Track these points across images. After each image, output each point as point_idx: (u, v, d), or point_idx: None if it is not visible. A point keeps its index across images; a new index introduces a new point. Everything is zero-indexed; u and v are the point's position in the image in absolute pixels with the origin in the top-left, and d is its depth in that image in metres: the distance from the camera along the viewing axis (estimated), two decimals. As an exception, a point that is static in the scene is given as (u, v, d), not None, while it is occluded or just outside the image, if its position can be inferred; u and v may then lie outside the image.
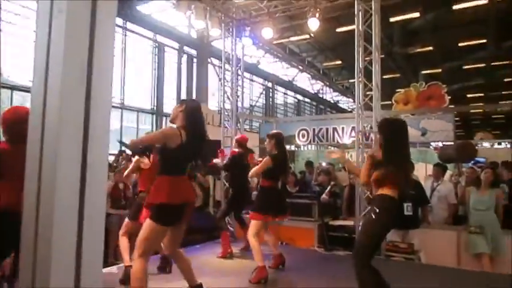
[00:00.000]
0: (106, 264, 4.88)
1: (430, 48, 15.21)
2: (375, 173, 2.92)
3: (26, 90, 9.28)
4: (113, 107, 11.55)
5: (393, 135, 3.00)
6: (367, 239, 2.93)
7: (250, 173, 4.53)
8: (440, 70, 17.40)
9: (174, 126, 2.96)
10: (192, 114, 2.96)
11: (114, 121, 11.72)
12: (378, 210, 2.86)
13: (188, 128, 2.87)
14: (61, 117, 0.90)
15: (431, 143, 9.75)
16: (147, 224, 2.80)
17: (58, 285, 0.88)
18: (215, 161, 5.49)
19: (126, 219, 4.02)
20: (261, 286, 3.80)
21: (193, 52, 14.10)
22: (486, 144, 14.07)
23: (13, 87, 9.00)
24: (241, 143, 5.31)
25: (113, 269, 4.29)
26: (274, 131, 4.76)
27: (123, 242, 3.91)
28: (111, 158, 7.14)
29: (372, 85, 5.57)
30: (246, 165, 5.00)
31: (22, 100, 9.41)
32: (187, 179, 3.01)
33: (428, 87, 9.95)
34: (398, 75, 18.32)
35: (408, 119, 9.11)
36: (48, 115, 0.93)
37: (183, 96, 13.61)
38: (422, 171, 8.23)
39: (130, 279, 2.76)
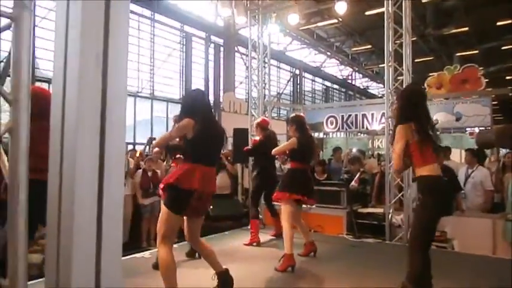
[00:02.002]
0: (139, 249, 5.08)
1: (466, 28, 14.49)
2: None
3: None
4: (144, 97, 11.83)
5: (408, 101, 2.87)
6: (416, 231, 2.83)
7: (273, 151, 4.44)
8: (476, 52, 16.58)
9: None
10: (195, 101, 3.03)
11: (145, 111, 12.00)
12: (421, 196, 2.76)
13: (197, 116, 2.90)
14: (79, 107, 0.94)
15: (467, 128, 9.38)
16: (162, 207, 2.87)
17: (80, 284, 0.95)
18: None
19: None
20: (288, 274, 3.82)
21: (220, 41, 14.13)
22: (527, 129, 13.37)
23: (49, 81, 9.37)
24: (263, 126, 5.22)
25: (145, 254, 4.45)
26: (293, 115, 4.58)
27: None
28: (142, 147, 7.35)
29: (402, 69, 5.40)
30: (269, 149, 4.82)
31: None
32: (210, 170, 2.95)
33: (463, 70, 9.51)
34: (431, 58, 17.62)
35: (442, 104, 8.81)
36: (67, 104, 0.97)
37: (211, 85, 13.72)
38: (457, 157, 7.97)
39: (159, 267, 2.77)
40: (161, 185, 2.94)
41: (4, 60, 1.21)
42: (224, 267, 3.07)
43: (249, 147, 5.57)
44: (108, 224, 0.96)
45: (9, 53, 1.18)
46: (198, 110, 2.94)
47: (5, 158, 1.23)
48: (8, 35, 1.30)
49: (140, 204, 6.21)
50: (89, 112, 0.95)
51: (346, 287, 3.50)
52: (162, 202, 2.94)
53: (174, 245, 3.58)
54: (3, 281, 1.22)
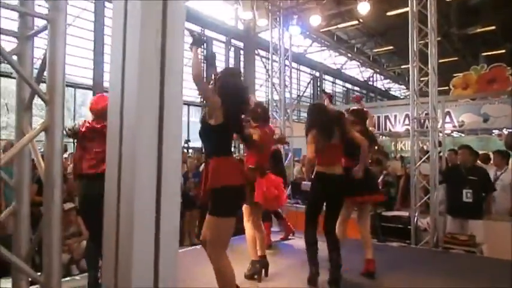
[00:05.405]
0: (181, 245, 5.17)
1: (492, 27, 14.08)
2: None
3: (87, 88, 9.90)
4: (165, 101, 11.99)
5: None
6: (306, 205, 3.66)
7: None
8: (503, 51, 16.07)
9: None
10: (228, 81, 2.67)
11: (167, 115, 12.16)
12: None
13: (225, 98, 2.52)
14: (138, 114, 0.96)
15: (494, 130, 9.09)
16: (209, 217, 2.49)
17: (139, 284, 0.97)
18: None
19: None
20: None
21: (241, 44, 14.21)
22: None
23: (75, 86, 9.63)
24: None
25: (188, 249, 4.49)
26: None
27: (248, 231, 3.70)
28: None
29: (427, 69, 5.28)
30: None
31: (84, 97, 10.06)
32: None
33: (490, 69, 9.23)
34: (456, 58, 17.19)
35: (468, 105, 8.57)
36: (126, 112, 0.99)
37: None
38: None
39: (218, 281, 2.47)
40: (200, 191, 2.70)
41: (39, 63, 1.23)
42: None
43: None
44: (165, 226, 0.99)
45: (44, 57, 1.22)
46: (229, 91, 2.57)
47: (40, 156, 1.26)
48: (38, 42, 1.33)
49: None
50: (147, 116, 0.97)
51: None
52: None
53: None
54: (37, 276, 1.25)
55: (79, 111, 9.60)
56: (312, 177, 3.51)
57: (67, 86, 9.28)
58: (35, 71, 1.34)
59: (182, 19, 1.04)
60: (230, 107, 2.51)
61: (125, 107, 0.99)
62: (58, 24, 1.17)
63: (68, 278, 3.69)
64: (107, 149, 1.04)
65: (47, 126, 1.15)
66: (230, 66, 13.87)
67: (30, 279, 1.32)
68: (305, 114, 15.42)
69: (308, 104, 18.31)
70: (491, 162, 6.10)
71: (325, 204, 3.48)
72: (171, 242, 1.01)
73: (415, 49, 5.35)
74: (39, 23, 1.27)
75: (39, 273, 1.27)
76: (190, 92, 12.82)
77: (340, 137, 3.41)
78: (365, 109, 4.51)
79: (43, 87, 1.21)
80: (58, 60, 1.16)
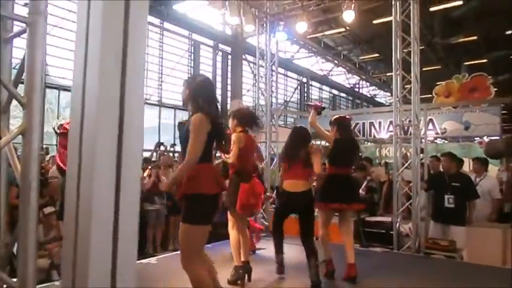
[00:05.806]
0: (145, 255, 5.07)
1: (474, 37, 14.44)
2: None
3: (71, 89, 9.76)
4: (151, 104, 11.91)
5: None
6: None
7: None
8: (485, 60, 16.49)
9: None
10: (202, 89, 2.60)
11: (153, 118, 12.08)
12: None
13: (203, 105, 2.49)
14: (99, 109, 0.96)
15: (475, 138, 9.30)
16: (183, 225, 2.45)
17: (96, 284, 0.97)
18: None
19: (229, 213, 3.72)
20: (290, 279, 3.78)
21: (228, 49, 14.24)
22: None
23: (59, 88, 9.50)
24: None
25: (152, 260, 4.45)
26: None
27: (233, 237, 3.67)
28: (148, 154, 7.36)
29: (410, 77, 5.39)
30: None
31: (68, 99, 9.93)
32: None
33: (471, 78, 9.46)
34: (439, 67, 17.55)
35: (450, 113, 8.75)
36: (86, 111, 0.99)
37: (219, 92, 13.79)
38: (465, 167, 7.87)
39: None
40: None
41: (17, 67, 1.22)
42: None
43: None
44: (124, 226, 0.98)
45: (23, 59, 1.21)
46: (204, 99, 2.52)
47: (16, 160, 1.25)
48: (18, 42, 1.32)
49: (146, 210, 6.18)
50: (108, 115, 0.97)
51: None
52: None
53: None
54: (12, 281, 1.23)
55: (63, 113, 9.46)
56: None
57: (51, 87, 9.16)
58: (14, 71, 1.32)
59: (144, 18, 1.04)
60: (212, 116, 2.49)
61: (86, 105, 0.99)
62: (38, 27, 1.17)
63: (47, 284, 3.62)
64: (68, 147, 1.04)
65: (24, 129, 1.14)
66: (200, 73, 13.88)
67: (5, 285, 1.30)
68: (291, 120, 15.56)
69: (295, 109, 18.45)
70: (470, 169, 6.23)
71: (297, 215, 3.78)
72: (129, 243, 1.00)
73: (398, 57, 5.45)
74: (18, 23, 1.26)
75: (15, 279, 1.25)
76: (177, 95, 12.79)
77: (304, 157, 3.63)
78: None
79: (22, 87, 1.20)
80: (37, 63, 1.16)
